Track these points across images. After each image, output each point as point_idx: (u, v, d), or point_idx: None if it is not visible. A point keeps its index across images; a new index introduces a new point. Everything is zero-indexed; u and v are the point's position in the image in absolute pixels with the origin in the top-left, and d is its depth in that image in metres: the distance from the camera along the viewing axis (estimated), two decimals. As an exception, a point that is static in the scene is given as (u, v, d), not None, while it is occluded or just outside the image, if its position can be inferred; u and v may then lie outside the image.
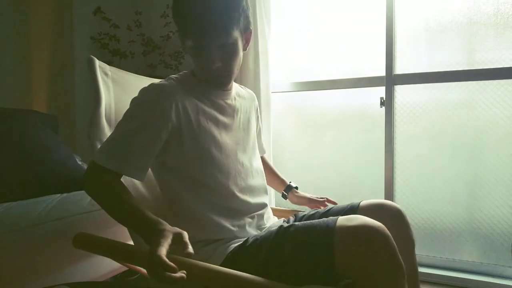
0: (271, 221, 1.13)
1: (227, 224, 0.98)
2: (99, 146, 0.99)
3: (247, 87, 2.02)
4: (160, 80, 1.01)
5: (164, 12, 2.34)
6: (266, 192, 1.14)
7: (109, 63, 2.25)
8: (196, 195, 0.97)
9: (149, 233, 0.76)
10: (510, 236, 1.77)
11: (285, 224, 0.90)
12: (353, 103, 2.08)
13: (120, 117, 0.94)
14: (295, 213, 1.23)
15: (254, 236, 0.94)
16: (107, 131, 1.02)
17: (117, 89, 1.12)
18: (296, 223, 0.89)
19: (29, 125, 1.56)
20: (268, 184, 1.30)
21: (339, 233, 0.77)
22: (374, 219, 1.00)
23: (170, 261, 0.67)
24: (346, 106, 2.10)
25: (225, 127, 1.03)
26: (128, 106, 0.95)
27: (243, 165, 1.05)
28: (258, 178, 1.11)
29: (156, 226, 0.76)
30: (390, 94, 1.93)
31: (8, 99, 1.93)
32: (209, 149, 0.97)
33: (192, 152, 0.95)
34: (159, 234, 0.73)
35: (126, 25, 2.40)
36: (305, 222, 0.88)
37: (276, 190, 1.42)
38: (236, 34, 0.92)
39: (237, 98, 1.11)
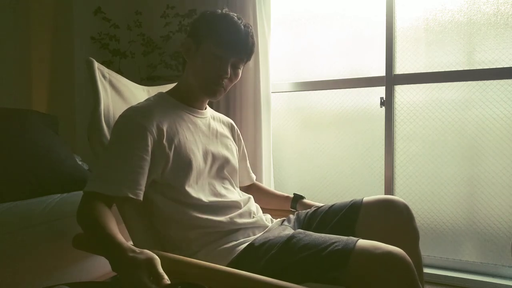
0: (261, 212, 1.15)
1: (216, 218, 0.99)
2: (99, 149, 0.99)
3: (247, 87, 2.05)
4: (138, 102, 1.08)
5: (164, 12, 2.33)
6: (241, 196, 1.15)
7: (109, 63, 2.27)
8: (181, 205, 0.98)
9: (118, 260, 0.74)
10: (510, 236, 1.77)
11: (296, 233, 0.92)
12: (353, 103, 2.08)
13: None
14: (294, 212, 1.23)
15: (262, 239, 0.95)
16: (107, 133, 1.03)
17: (113, 92, 1.13)
18: (311, 233, 0.91)
19: (29, 125, 1.56)
20: (271, 206, 1.30)
21: (358, 256, 0.78)
22: (380, 215, 1.03)
23: (174, 262, 0.67)
24: (346, 106, 2.10)
25: (202, 142, 1.08)
26: (121, 111, 0.98)
27: (219, 178, 1.10)
28: (234, 193, 1.12)
29: (125, 253, 0.73)
30: (390, 94, 1.93)
31: (8, 99, 1.93)
32: (189, 162, 1.00)
33: (174, 165, 0.98)
34: (132, 265, 0.70)
35: (126, 25, 2.40)
36: (321, 234, 0.89)
37: (283, 209, 1.32)
38: (243, 65, 1.10)
39: (211, 120, 1.17)
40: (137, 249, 0.73)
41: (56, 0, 2.18)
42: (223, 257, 0.94)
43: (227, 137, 1.20)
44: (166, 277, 0.68)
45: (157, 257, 0.72)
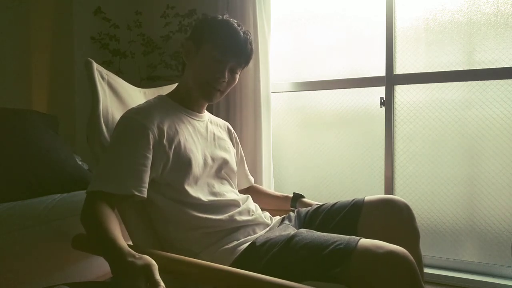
0: (259, 210, 1.15)
1: (216, 217, 1.00)
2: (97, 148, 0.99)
3: (247, 87, 2.05)
4: (135, 103, 1.10)
5: (164, 12, 2.34)
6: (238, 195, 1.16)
7: (109, 63, 2.27)
8: (181, 204, 0.99)
9: (117, 264, 0.74)
10: (510, 236, 1.77)
11: (298, 232, 0.92)
12: (353, 103, 2.08)
13: (117, 120, 0.98)
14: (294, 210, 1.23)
15: (264, 239, 0.96)
16: (106, 134, 1.03)
17: (112, 93, 1.13)
18: (313, 232, 0.91)
19: (29, 125, 1.56)
20: (271, 207, 1.31)
21: (360, 255, 0.78)
22: (381, 215, 1.04)
23: (174, 262, 0.67)
24: (346, 106, 2.10)
25: (200, 144, 1.09)
26: (119, 112, 1.00)
27: (218, 178, 1.12)
28: (232, 193, 1.13)
29: (124, 257, 0.73)
30: (390, 94, 1.93)
31: (8, 99, 1.93)
32: (189, 162, 1.01)
33: (174, 165, 0.99)
34: (130, 270, 0.70)
35: (126, 25, 2.40)
36: (323, 234, 0.90)
37: (283, 209, 1.32)
38: (240, 70, 1.12)
39: (209, 123, 1.19)
40: (136, 254, 0.74)
41: (56, 0, 2.18)
42: (226, 258, 0.94)
43: (224, 139, 1.22)
44: (162, 284, 0.68)
45: (155, 263, 0.72)
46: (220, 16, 1.11)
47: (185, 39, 1.11)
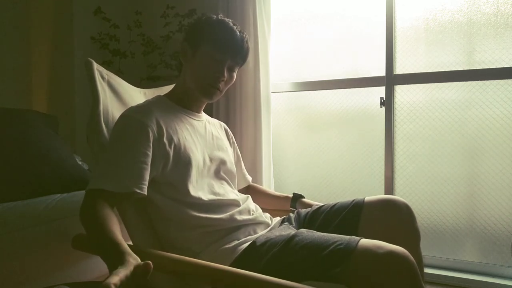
0: (260, 210, 1.16)
1: (216, 216, 1.00)
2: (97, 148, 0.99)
3: (247, 87, 2.05)
4: (136, 103, 1.10)
5: (164, 12, 2.34)
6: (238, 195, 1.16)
7: (109, 63, 2.27)
8: (181, 203, 0.99)
9: (112, 261, 0.72)
10: (510, 236, 1.77)
11: (298, 232, 0.92)
12: (353, 103, 2.08)
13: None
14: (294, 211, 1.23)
15: (264, 238, 0.96)
16: (106, 133, 1.03)
17: (112, 93, 1.14)
18: (313, 232, 0.91)
19: (29, 125, 1.56)
20: (271, 207, 1.31)
21: (360, 255, 0.78)
22: (382, 215, 1.04)
23: (177, 263, 0.66)
24: (346, 106, 2.10)
25: (200, 143, 1.10)
26: (119, 112, 1.00)
27: (217, 178, 1.12)
28: (232, 193, 1.13)
29: (122, 256, 0.71)
30: (390, 94, 1.93)
31: (8, 99, 1.93)
32: (189, 160, 1.01)
33: (174, 163, 0.99)
34: (120, 263, 0.69)
35: (126, 25, 2.40)
36: (323, 234, 0.90)
37: (283, 209, 1.31)
38: (238, 69, 1.14)
39: (207, 123, 1.20)
40: (133, 254, 0.73)
41: (56, 0, 2.18)
42: (226, 257, 0.94)
43: (222, 139, 1.23)
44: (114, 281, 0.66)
45: (132, 262, 0.69)
46: (215, 16, 1.11)
47: (181, 41, 1.12)
